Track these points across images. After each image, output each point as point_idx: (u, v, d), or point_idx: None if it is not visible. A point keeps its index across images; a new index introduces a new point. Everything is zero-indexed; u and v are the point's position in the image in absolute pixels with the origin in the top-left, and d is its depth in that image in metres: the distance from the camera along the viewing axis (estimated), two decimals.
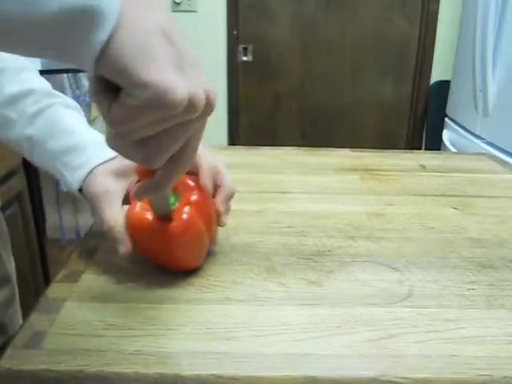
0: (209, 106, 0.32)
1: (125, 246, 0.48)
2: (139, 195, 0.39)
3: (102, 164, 0.54)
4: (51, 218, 1.59)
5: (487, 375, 0.36)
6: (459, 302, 0.46)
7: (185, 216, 0.46)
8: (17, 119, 0.56)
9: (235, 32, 2.52)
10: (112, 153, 0.54)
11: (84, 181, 0.53)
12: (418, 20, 2.53)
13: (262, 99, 2.61)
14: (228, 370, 0.36)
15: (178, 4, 2.46)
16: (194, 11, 2.48)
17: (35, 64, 0.61)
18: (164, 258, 0.48)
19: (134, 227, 0.47)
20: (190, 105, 0.30)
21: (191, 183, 0.49)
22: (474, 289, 0.48)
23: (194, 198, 0.48)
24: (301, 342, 0.39)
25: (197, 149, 0.36)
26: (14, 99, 0.56)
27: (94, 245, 0.55)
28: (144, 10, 0.29)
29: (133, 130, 0.31)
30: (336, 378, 0.36)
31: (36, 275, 1.45)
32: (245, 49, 2.56)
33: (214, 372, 0.36)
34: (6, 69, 0.57)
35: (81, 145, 0.56)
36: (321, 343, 0.39)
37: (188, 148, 0.35)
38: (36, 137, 0.56)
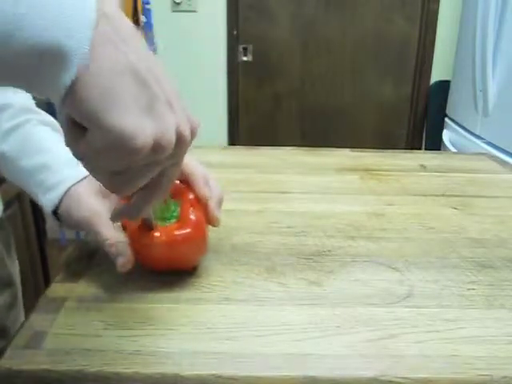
0: (192, 139, 0.33)
1: (128, 260, 0.46)
2: (114, 218, 0.40)
3: (77, 183, 0.52)
4: (51, 219, 1.59)
5: (487, 375, 0.36)
6: (459, 302, 0.46)
7: (193, 217, 0.46)
8: None
9: (235, 32, 2.52)
10: (86, 171, 0.52)
11: (60, 202, 0.51)
12: (418, 20, 2.53)
13: (262, 99, 2.61)
14: (228, 370, 0.36)
15: (178, 4, 2.46)
16: (194, 11, 2.48)
17: None
18: (171, 262, 0.48)
19: (139, 238, 0.46)
20: (156, 147, 0.29)
21: (181, 185, 0.49)
22: (474, 289, 0.48)
23: (191, 197, 0.48)
24: (301, 342, 0.39)
25: (175, 177, 0.36)
26: None
27: (94, 245, 0.55)
28: (115, 49, 0.29)
29: (99, 165, 0.31)
30: (336, 378, 0.36)
31: (36, 275, 1.45)
32: (245, 49, 2.56)
33: (214, 372, 0.36)
34: None
35: (55, 164, 0.54)
36: (321, 343, 0.39)
37: (164, 177, 0.34)
38: (9, 153, 0.54)
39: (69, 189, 0.52)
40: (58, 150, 0.55)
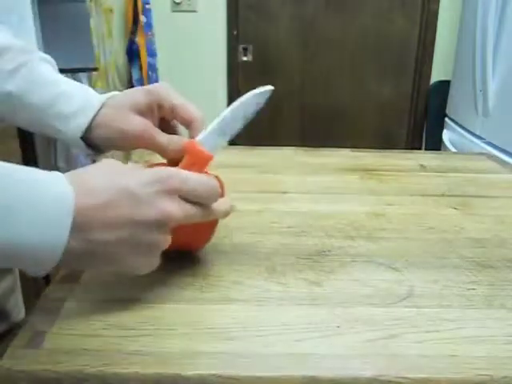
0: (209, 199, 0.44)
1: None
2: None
3: (108, 100, 0.53)
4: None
5: (487, 375, 0.36)
6: (459, 302, 0.46)
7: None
8: None
9: (235, 32, 2.52)
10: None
11: (90, 124, 0.52)
12: (418, 20, 2.53)
13: None
14: (228, 370, 0.36)
15: (178, 4, 2.46)
16: (194, 11, 2.48)
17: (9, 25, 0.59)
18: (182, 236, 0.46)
19: None
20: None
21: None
22: (474, 289, 0.48)
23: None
24: (301, 342, 0.39)
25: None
26: None
27: None
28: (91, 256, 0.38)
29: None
30: (336, 378, 0.36)
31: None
32: (245, 49, 2.56)
33: (213, 372, 0.36)
34: None
35: (72, 91, 0.54)
36: (321, 343, 0.39)
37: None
38: (16, 92, 0.53)
39: (102, 106, 0.52)
40: (66, 81, 0.55)
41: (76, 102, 0.53)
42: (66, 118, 0.52)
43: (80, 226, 0.36)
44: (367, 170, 0.85)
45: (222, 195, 0.47)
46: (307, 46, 2.57)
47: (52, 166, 2.21)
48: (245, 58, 2.57)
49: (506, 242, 0.59)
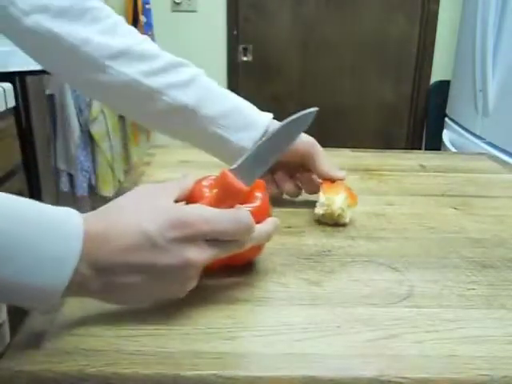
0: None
1: None
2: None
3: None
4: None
5: (487, 375, 0.36)
6: (459, 302, 0.46)
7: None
8: (163, 90, 0.57)
9: (235, 32, 2.52)
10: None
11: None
12: (418, 20, 2.53)
13: (262, 99, 2.59)
14: (228, 370, 0.36)
15: (178, 4, 2.46)
16: (194, 11, 2.48)
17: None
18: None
19: None
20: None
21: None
22: (474, 289, 0.48)
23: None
24: (301, 342, 0.39)
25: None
26: (158, 71, 0.58)
27: None
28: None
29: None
30: (336, 378, 0.36)
31: None
32: (245, 49, 2.56)
33: (214, 372, 0.36)
34: (131, 48, 0.59)
35: (244, 107, 0.60)
36: (321, 343, 0.39)
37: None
38: (191, 104, 0.57)
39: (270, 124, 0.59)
40: (234, 95, 0.62)
41: (249, 115, 0.59)
42: (240, 128, 0.57)
43: (101, 268, 0.36)
44: (367, 170, 0.85)
45: (265, 214, 0.46)
46: (307, 45, 2.57)
47: (52, 167, 2.21)
48: (245, 58, 2.57)
49: (506, 242, 0.59)
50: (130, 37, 0.60)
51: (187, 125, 0.58)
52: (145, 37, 0.62)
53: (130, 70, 0.57)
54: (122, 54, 0.57)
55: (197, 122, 0.57)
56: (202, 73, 0.62)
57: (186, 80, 0.58)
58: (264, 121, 0.59)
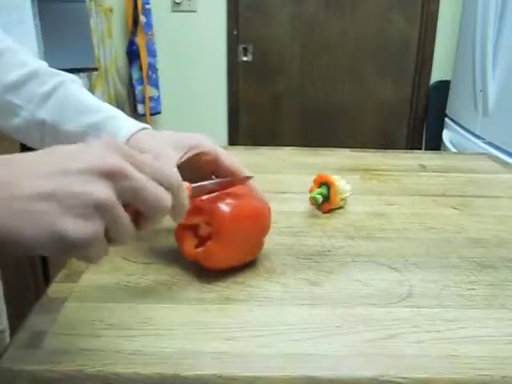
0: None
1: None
2: None
3: (141, 131, 0.52)
4: None
5: (487, 375, 0.36)
6: (459, 302, 0.46)
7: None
8: (23, 104, 0.53)
9: (235, 32, 2.52)
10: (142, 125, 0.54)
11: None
12: (418, 20, 2.53)
13: (262, 99, 2.61)
14: (228, 370, 0.36)
15: (178, 4, 2.46)
16: (194, 11, 2.48)
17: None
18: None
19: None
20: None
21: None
22: (474, 289, 0.48)
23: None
24: (301, 342, 0.39)
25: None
26: (17, 84, 0.53)
27: None
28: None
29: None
30: (336, 378, 0.36)
31: (36, 275, 1.45)
32: (245, 49, 2.56)
33: (214, 372, 0.36)
34: (4, 52, 0.54)
35: (104, 123, 0.53)
36: (321, 343, 0.39)
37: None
38: (50, 120, 0.53)
39: (134, 134, 0.52)
40: (102, 108, 0.55)
41: (110, 127, 0.53)
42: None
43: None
44: (367, 170, 0.85)
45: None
46: (307, 45, 2.57)
47: None
48: (245, 58, 2.57)
49: (506, 242, 0.59)
50: None
51: (49, 139, 0.54)
52: (17, 45, 0.56)
53: None
54: None
55: (57, 136, 0.53)
56: (69, 81, 0.56)
57: (46, 92, 0.54)
58: (126, 132, 0.52)
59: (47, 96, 0.54)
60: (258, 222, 0.51)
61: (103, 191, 0.32)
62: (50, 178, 0.31)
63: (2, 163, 0.32)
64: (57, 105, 0.54)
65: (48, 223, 0.31)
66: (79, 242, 0.31)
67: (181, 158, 0.50)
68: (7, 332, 0.67)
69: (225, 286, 0.48)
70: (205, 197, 0.47)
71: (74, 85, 0.56)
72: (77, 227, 0.31)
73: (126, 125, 0.53)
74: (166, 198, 0.35)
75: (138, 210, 0.35)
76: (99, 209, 0.32)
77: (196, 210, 0.46)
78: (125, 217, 0.34)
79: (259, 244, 0.52)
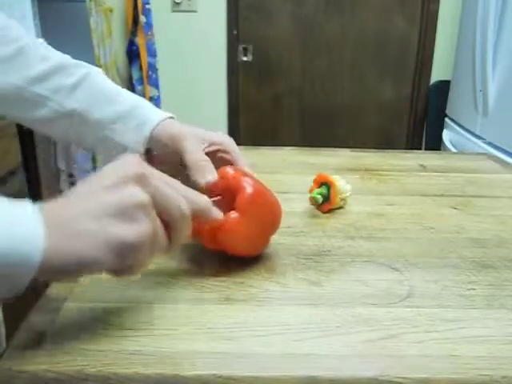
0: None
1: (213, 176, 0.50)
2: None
3: (167, 119, 0.57)
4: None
5: (487, 375, 0.36)
6: (459, 302, 0.46)
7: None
8: (50, 95, 0.55)
9: (235, 32, 2.52)
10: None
11: (150, 136, 0.55)
12: (418, 20, 2.53)
13: (262, 99, 2.61)
14: (228, 370, 0.36)
15: (178, 4, 2.46)
16: (194, 11, 2.48)
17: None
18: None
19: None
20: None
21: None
22: (474, 289, 0.48)
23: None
24: (301, 342, 0.39)
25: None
26: (43, 77, 0.55)
27: None
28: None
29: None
30: (336, 378, 0.36)
31: None
32: (245, 49, 2.56)
33: (214, 372, 0.36)
34: (25, 48, 0.56)
35: (131, 107, 0.57)
36: (321, 343, 0.39)
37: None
38: (79, 109, 0.55)
39: (160, 123, 0.56)
40: (127, 97, 0.58)
41: (140, 115, 0.56)
42: (128, 132, 0.56)
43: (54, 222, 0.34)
44: (367, 170, 0.85)
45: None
46: (307, 45, 2.57)
47: (52, 167, 2.21)
48: (245, 58, 2.57)
49: (506, 242, 0.59)
50: (17, 43, 0.55)
51: (76, 129, 0.56)
52: (36, 40, 0.58)
53: (15, 77, 0.54)
54: (8, 61, 0.54)
55: (86, 126, 0.55)
56: (95, 72, 0.58)
57: (74, 83, 0.55)
58: (154, 119, 0.56)
59: (75, 86, 0.55)
60: (273, 215, 0.52)
61: (137, 192, 0.35)
62: (91, 197, 0.35)
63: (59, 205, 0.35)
64: (85, 95, 0.55)
65: (102, 236, 0.34)
66: (137, 242, 0.35)
67: (204, 148, 0.56)
68: (3, 332, 0.67)
69: (225, 286, 0.48)
70: (232, 171, 0.51)
71: (100, 75, 0.58)
72: (131, 229, 0.34)
73: (154, 113, 0.57)
74: (184, 202, 0.39)
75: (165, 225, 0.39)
76: (141, 208, 0.35)
77: (221, 185, 0.50)
78: (158, 220, 0.37)
79: (266, 239, 0.52)
